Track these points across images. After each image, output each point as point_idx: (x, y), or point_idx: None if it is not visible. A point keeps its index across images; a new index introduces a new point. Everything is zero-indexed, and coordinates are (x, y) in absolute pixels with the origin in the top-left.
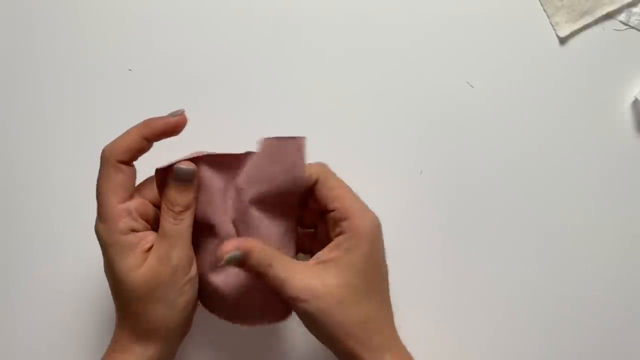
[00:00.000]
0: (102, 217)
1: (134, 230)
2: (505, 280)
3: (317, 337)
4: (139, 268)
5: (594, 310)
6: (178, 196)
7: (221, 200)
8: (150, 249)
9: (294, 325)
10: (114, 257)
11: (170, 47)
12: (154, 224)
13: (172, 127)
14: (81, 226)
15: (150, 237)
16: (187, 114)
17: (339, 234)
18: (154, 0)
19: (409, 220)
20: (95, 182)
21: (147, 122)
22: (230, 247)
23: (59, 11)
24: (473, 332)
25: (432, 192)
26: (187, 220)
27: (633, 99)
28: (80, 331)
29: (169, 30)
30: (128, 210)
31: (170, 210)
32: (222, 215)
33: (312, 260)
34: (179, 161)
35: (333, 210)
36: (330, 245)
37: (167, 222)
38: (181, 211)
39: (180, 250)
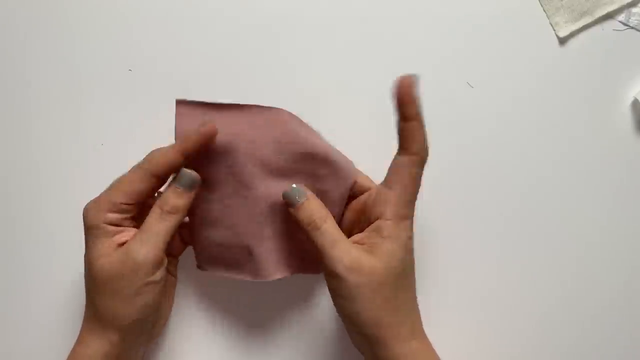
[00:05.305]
0: (96, 199)
1: (117, 224)
2: (504, 280)
3: (345, 315)
4: (105, 257)
5: (592, 310)
6: (172, 197)
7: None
8: (124, 243)
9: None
10: (89, 240)
11: (170, 47)
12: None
13: (205, 136)
14: (81, 226)
15: (130, 232)
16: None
17: (376, 218)
18: (153, 0)
19: None
20: (95, 182)
21: (185, 137)
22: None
23: (59, 11)
24: (470, 332)
25: (432, 192)
26: (171, 222)
27: (633, 99)
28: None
29: (169, 30)
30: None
31: (159, 207)
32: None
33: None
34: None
35: (365, 193)
36: (368, 229)
37: (151, 217)
38: (169, 212)
39: (150, 249)
